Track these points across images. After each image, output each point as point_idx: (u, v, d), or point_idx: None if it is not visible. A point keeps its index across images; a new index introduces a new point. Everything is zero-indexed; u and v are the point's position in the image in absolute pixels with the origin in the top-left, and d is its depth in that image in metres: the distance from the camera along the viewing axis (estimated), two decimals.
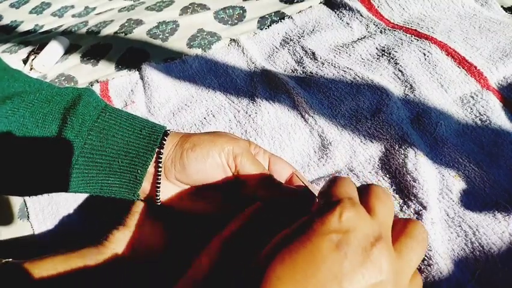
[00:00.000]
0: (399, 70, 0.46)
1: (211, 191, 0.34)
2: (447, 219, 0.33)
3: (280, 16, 0.61)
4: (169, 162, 0.32)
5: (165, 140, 0.32)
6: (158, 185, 0.32)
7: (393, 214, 0.23)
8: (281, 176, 0.34)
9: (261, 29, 0.59)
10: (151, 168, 0.32)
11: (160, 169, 0.32)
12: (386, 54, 0.49)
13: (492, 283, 0.29)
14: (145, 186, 0.33)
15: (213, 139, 0.32)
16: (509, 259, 0.30)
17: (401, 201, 0.35)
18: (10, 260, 0.30)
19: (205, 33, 0.61)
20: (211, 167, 0.31)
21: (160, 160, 0.32)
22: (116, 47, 0.62)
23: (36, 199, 0.42)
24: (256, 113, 0.45)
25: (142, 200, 0.34)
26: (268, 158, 0.35)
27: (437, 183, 0.36)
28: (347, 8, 0.57)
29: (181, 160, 0.31)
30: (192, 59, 0.56)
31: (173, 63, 0.56)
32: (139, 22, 0.67)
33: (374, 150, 0.40)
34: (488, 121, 0.40)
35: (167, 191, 0.33)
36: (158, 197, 0.32)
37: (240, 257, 0.25)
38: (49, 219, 0.40)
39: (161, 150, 0.32)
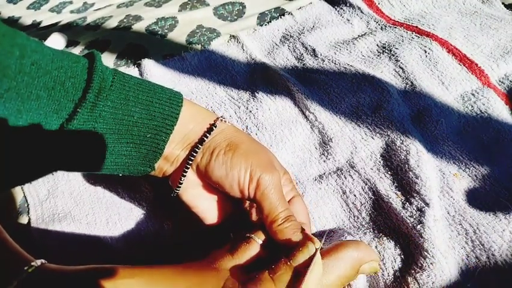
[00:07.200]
0: (400, 67, 0.46)
1: (224, 201, 0.34)
2: (448, 217, 0.33)
3: (280, 12, 0.61)
4: (205, 150, 0.31)
5: (215, 126, 0.32)
6: (186, 170, 0.32)
7: None
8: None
9: (261, 25, 0.59)
10: (182, 152, 0.32)
11: (194, 154, 0.31)
12: (386, 51, 0.49)
13: (492, 282, 0.29)
14: (168, 170, 0.33)
15: (249, 155, 0.31)
16: (510, 257, 0.30)
17: (403, 198, 0.35)
18: (44, 261, 0.26)
19: (205, 29, 0.61)
20: (232, 179, 0.30)
21: (198, 147, 0.31)
22: (115, 43, 0.61)
23: (35, 194, 0.42)
24: (257, 109, 0.45)
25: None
26: (293, 195, 0.33)
27: (437, 181, 0.36)
28: (348, 5, 0.57)
29: (211, 155, 0.31)
30: (191, 55, 0.56)
31: (173, 60, 0.55)
32: (137, 18, 0.66)
33: (375, 146, 0.39)
34: (489, 118, 0.40)
35: (187, 182, 0.32)
36: (180, 185, 0.32)
37: None
38: (47, 213, 0.40)
39: (207, 134, 0.31)
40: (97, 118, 0.28)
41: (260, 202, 0.30)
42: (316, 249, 0.27)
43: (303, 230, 0.30)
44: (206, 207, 0.33)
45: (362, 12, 0.55)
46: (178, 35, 0.61)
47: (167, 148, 0.32)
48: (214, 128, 0.32)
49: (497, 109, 0.40)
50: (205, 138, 0.32)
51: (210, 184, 0.32)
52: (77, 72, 0.28)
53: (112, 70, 0.30)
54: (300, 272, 0.27)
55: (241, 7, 0.65)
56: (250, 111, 0.45)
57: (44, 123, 0.27)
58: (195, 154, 0.31)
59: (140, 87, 0.31)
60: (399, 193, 0.35)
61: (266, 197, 0.30)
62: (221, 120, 0.33)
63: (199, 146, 0.31)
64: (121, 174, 0.32)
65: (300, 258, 0.27)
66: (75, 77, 0.28)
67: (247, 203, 0.35)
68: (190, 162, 0.32)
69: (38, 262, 0.26)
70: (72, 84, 0.27)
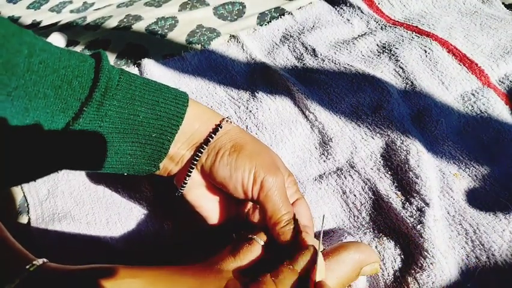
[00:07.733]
0: (400, 67, 0.46)
1: (227, 202, 0.34)
2: (448, 217, 0.33)
3: (280, 12, 0.61)
4: (210, 151, 0.31)
5: (221, 127, 0.32)
6: (191, 170, 0.32)
7: None
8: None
9: (261, 25, 0.59)
10: (187, 152, 0.32)
11: (199, 154, 0.31)
12: (386, 51, 0.49)
13: (492, 282, 0.29)
14: (173, 169, 0.33)
15: (254, 156, 0.31)
16: (510, 257, 0.30)
17: (403, 198, 0.35)
18: (45, 260, 0.26)
19: (205, 29, 0.61)
20: (236, 180, 0.30)
21: (203, 147, 0.31)
22: (114, 43, 0.61)
23: (35, 194, 0.42)
24: (257, 108, 0.45)
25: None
26: (297, 198, 0.33)
27: (437, 181, 0.36)
28: (348, 5, 0.57)
29: (216, 156, 0.31)
30: (191, 55, 0.56)
31: (173, 60, 0.55)
32: (137, 18, 0.66)
33: (375, 146, 0.39)
34: (489, 118, 0.40)
35: (192, 182, 0.32)
36: (184, 185, 0.32)
37: None
38: (47, 213, 0.40)
39: (213, 135, 0.31)
40: (103, 117, 0.28)
41: (263, 204, 0.30)
42: (318, 253, 0.27)
43: (305, 233, 0.30)
44: (210, 207, 0.33)
45: (362, 12, 0.55)
46: (178, 35, 0.60)
47: (173, 148, 0.32)
48: (219, 128, 0.32)
49: (497, 109, 0.40)
50: (210, 139, 0.32)
51: (214, 185, 0.32)
52: (84, 71, 0.28)
53: (118, 70, 0.30)
54: (303, 276, 0.27)
55: (241, 7, 0.65)
56: (250, 111, 0.45)
57: (50, 122, 0.27)
58: (199, 154, 0.31)
59: (146, 87, 0.31)
60: (399, 193, 0.35)
61: (269, 199, 0.30)
62: (226, 121, 0.33)
63: (204, 146, 0.31)
64: (125, 174, 0.32)
65: (302, 261, 0.27)
66: (82, 76, 0.28)
67: (250, 204, 0.35)
68: (195, 162, 0.32)
69: (40, 261, 0.26)
70: (79, 83, 0.28)
